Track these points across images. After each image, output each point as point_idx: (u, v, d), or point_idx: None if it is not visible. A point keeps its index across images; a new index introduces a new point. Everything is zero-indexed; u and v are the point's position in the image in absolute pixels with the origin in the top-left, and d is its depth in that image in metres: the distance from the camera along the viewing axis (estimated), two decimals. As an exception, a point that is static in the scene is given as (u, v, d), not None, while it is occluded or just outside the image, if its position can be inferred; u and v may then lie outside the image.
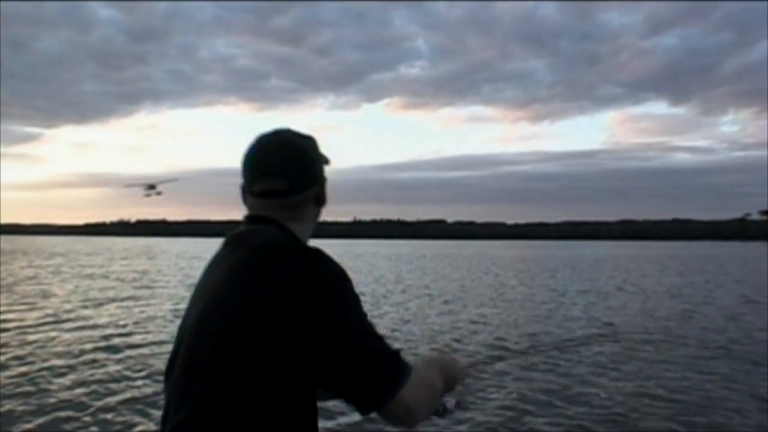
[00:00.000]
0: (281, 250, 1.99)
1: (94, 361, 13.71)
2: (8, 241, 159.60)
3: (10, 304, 23.59)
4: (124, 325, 18.77)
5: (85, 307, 23.45)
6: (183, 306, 16.15)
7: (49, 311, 21.89)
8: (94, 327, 18.45)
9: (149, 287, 32.08)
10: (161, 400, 8.37)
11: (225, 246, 2.15)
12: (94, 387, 11.43)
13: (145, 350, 14.96)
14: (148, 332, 17.46)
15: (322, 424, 2.02)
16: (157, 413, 9.75)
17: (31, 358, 13.76)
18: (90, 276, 39.86)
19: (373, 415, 1.93)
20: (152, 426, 9.38)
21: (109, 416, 9.84)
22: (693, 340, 16.78)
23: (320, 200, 2.29)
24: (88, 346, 15.30)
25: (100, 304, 24.26)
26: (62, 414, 9.88)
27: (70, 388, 11.37)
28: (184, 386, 1.91)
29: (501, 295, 29.65)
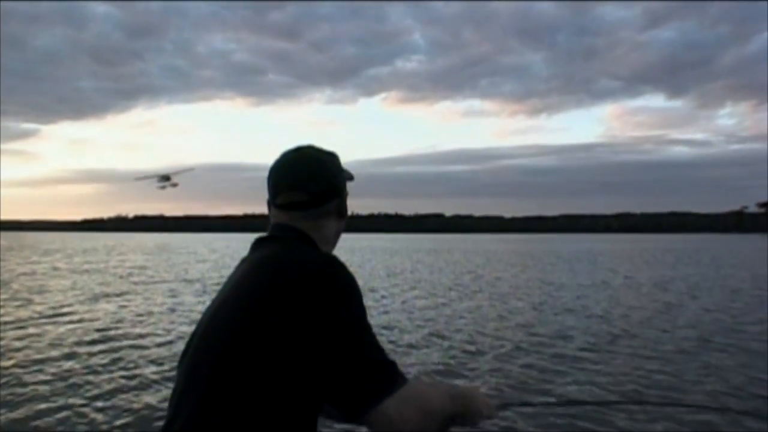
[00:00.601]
0: (299, 253, 2.10)
1: (88, 355, 13.72)
2: (6, 238, 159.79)
3: (5, 300, 23.63)
4: (120, 321, 18.75)
5: (81, 302, 23.43)
6: (179, 301, 16.12)
7: (44, 307, 21.87)
8: (89, 322, 18.47)
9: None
10: (158, 394, 8.37)
11: (251, 248, 2.27)
12: (87, 382, 11.43)
13: (141, 346, 14.96)
14: (144, 328, 17.44)
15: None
16: (153, 407, 9.89)
17: (24, 354, 13.77)
18: (101, 271, 39.92)
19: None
20: (146, 418, 9.41)
21: (104, 410, 9.83)
22: (689, 333, 16.79)
23: (342, 213, 2.39)
24: (83, 342, 15.31)
25: (96, 300, 24.28)
26: (54, 407, 9.89)
27: (63, 382, 11.38)
28: (192, 373, 1.99)
29: (493, 288, 29.70)
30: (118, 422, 9.35)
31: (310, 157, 2.31)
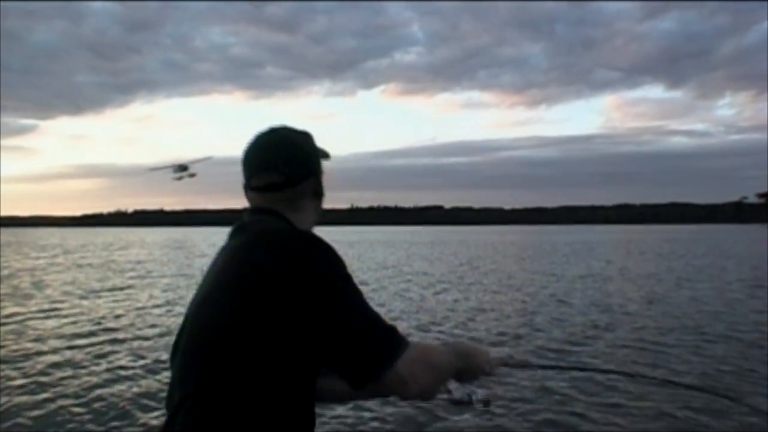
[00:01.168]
0: (278, 235, 2.07)
1: (87, 350, 13.74)
2: (4, 234, 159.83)
3: (4, 296, 23.66)
4: (117, 316, 18.76)
5: (80, 297, 23.50)
6: (176, 295, 16.11)
7: (41, 302, 21.92)
8: (87, 317, 18.48)
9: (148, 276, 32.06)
10: (155, 389, 8.37)
11: (229, 235, 2.23)
12: (86, 376, 11.47)
13: (139, 340, 14.97)
14: (142, 321, 17.43)
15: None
16: (151, 401, 9.80)
17: (24, 349, 13.80)
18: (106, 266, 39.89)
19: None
20: (146, 413, 9.31)
21: (104, 406, 9.82)
22: (691, 323, 16.79)
23: (318, 192, 2.38)
24: (80, 337, 15.36)
25: (94, 295, 24.30)
26: (55, 405, 9.88)
27: (61, 378, 11.40)
28: (185, 367, 2.00)
29: (491, 280, 29.75)
30: (112, 415, 9.35)
31: (283, 138, 2.30)
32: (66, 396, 10.34)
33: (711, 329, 15.72)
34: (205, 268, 2.24)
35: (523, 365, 2.95)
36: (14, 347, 14.11)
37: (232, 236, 2.21)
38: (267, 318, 1.87)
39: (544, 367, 2.59)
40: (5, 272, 35.40)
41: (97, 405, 9.89)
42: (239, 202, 2.31)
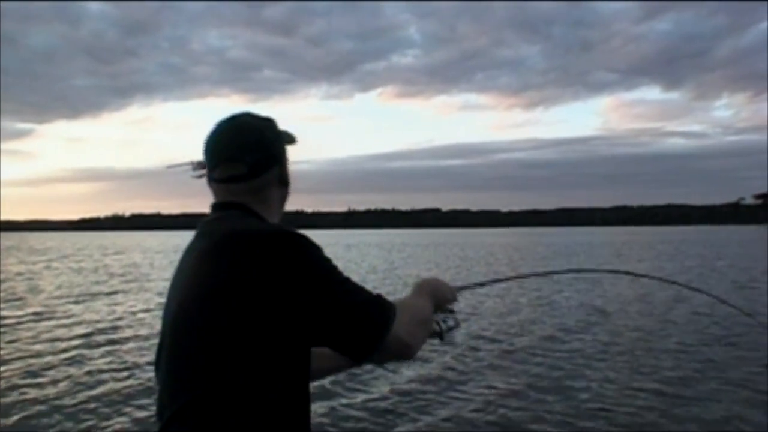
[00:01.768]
0: (249, 234, 1.99)
1: (78, 355, 13.68)
2: (2, 239, 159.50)
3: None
4: (111, 320, 18.68)
5: (74, 302, 23.36)
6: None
7: (37, 307, 21.84)
8: (80, 322, 18.40)
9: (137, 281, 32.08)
10: (145, 393, 8.34)
11: (196, 236, 2.17)
12: (77, 381, 11.37)
13: (130, 344, 14.92)
14: (134, 326, 17.38)
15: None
16: (141, 406, 9.80)
17: (15, 353, 13.72)
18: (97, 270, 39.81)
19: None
20: (135, 419, 9.31)
21: (92, 410, 9.75)
22: (685, 326, 16.78)
23: (283, 181, 2.31)
24: (73, 341, 15.27)
25: (88, 299, 24.20)
26: (44, 408, 9.84)
27: (53, 382, 11.32)
28: (175, 379, 1.95)
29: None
30: (100, 418, 9.32)
31: (245, 126, 2.22)
32: (54, 399, 10.29)
33: (696, 332, 15.72)
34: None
35: (480, 284, 3.03)
36: (4, 351, 14.06)
37: (199, 237, 2.14)
38: (255, 321, 1.85)
39: (497, 281, 2.62)
40: (1, 276, 35.35)
41: (83, 408, 9.85)
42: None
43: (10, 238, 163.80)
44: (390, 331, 2.00)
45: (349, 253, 62.07)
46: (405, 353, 2.11)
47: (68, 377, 11.72)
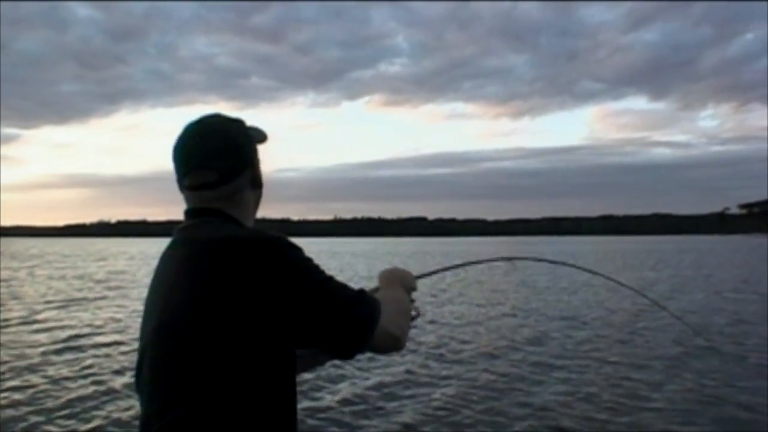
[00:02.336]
0: (229, 241, 1.97)
1: (58, 361, 13.60)
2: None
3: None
4: (92, 326, 18.64)
5: (55, 308, 23.27)
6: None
7: (19, 313, 21.70)
8: (62, 328, 18.30)
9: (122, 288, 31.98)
10: (126, 400, 8.26)
11: (173, 244, 2.15)
12: (55, 387, 11.32)
13: (109, 350, 14.86)
14: (114, 332, 17.28)
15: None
16: (117, 410, 9.81)
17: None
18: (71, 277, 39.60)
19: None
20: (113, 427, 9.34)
21: (69, 417, 9.70)
22: (668, 336, 16.82)
23: (256, 183, 2.27)
24: (54, 347, 15.19)
25: (70, 305, 24.09)
26: (19, 414, 9.76)
27: (32, 387, 11.27)
28: (161, 394, 1.91)
29: (469, 293, 29.63)
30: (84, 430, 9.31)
31: (212, 131, 2.16)
32: (34, 406, 10.21)
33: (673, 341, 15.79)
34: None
35: (433, 272, 3.09)
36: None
37: (177, 245, 2.12)
38: (244, 327, 1.84)
39: (449, 268, 2.67)
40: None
41: (60, 413, 9.79)
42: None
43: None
44: (377, 326, 2.04)
45: (335, 261, 62.01)
46: (395, 345, 2.16)
47: (45, 382, 11.69)
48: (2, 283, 34.38)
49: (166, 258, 2.14)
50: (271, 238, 1.97)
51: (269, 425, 1.92)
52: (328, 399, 10.46)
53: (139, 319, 2.14)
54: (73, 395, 10.87)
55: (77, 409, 10.06)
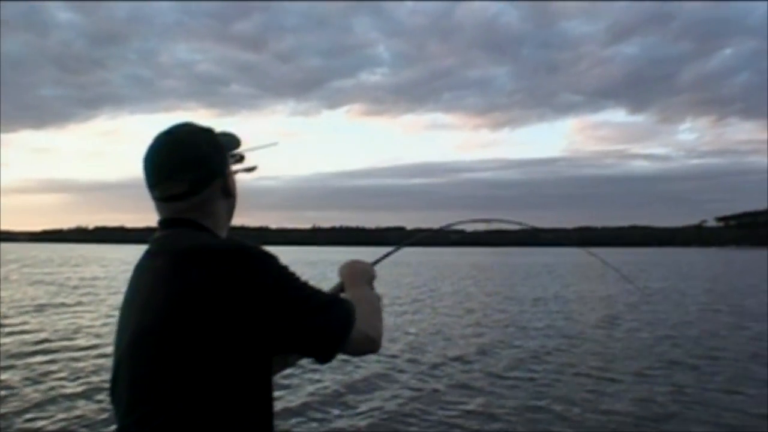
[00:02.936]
0: (203, 251, 1.96)
1: (28, 366, 13.67)
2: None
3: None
4: (64, 331, 18.73)
5: (28, 313, 23.38)
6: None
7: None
8: (33, 332, 18.48)
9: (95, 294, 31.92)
10: (96, 409, 8.20)
11: (147, 254, 2.14)
12: (25, 393, 11.38)
13: (81, 355, 14.93)
14: (87, 338, 17.43)
15: None
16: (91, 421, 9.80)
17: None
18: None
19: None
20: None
21: (41, 421, 9.76)
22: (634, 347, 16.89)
23: (228, 192, 2.25)
24: (22, 353, 15.23)
25: (43, 310, 24.15)
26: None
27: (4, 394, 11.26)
28: (137, 403, 1.90)
29: (447, 302, 29.97)
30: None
31: (181, 142, 2.14)
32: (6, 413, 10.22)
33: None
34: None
35: (388, 254, 3.11)
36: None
37: (152, 255, 2.11)
38: (221, 337, 1.85)
39: (399, 247, 2.68)
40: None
41: (31, 421, 9.80)
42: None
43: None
44: (352, 329, 2.06)
45: (313, 270, 62.00)
46: (371, 347, 2.19)
47: (17, 386, 11.75)
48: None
49: (140, 269, 2.13)
50: (244, 247, 1.97)
51: (248, 430, 1.93)
52: (294, 399, 10.87)
53: (112, 326, 2.13)
54: (38, 398, 11.00)
55: (42, 413, 10.14)
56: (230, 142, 2.35)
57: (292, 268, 2.00)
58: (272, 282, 1.94)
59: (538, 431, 9.71)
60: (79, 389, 11.70)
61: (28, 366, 13.71)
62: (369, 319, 2.19)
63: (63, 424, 9.68)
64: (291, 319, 1.93)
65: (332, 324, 2.03)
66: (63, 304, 26.46)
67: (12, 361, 14.17)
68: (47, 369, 13.49)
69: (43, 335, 17.99)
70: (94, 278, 45.31)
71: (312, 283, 2.02)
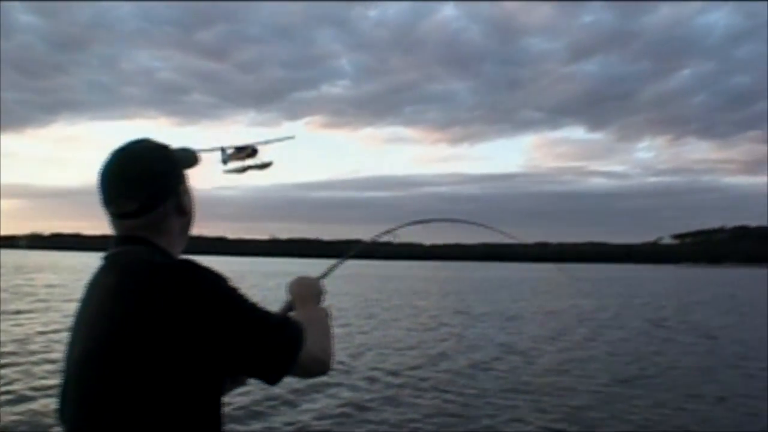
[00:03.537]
0: (153, 269, 1.97)
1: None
2: None
3: None
4: (16, 340, 18.41)
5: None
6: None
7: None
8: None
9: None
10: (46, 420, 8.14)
11: (100, 270, 2.13)
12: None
13: (35, 360, 14.80)
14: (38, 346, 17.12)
15: None
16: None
17: None
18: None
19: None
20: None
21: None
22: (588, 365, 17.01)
23: (182, 209, 2.24)
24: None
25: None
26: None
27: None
28: (87, 423, 1.90)
29: (399, 315, 30.19)
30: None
31: (134, 160, 2.12)
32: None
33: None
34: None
35: (333, 267, 3.13)
36: None
37: (104, 271, 2.10)
38: (169, 358, 1.85)
39: (344, 259, 2.69)
40: None
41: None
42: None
43: None
44: (302, 351, 2.06)
45: (271, 281, 61.70)
46: (321, 369, 2.20)
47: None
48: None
49: (93, 284, 2.12)
50: (194, 268, 1.98)
51: None
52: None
53: (63, 334, 2.13)
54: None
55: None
56: (187, 158, 2.31)
57: (249, 279, 2.01)
58: (221, 303, 1.94)
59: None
60: (30, 394, 11.66)
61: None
62: (318, 340, 2.19)
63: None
64: (239, 341, 1.93)
65: (280, 346, 2.03)
66: (14, 312, 26.14)
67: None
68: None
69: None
70: (49, 285, 44.70)
71: (266, 296, 2.04)
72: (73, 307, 2.16)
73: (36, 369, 14.08)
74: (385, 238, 3.64)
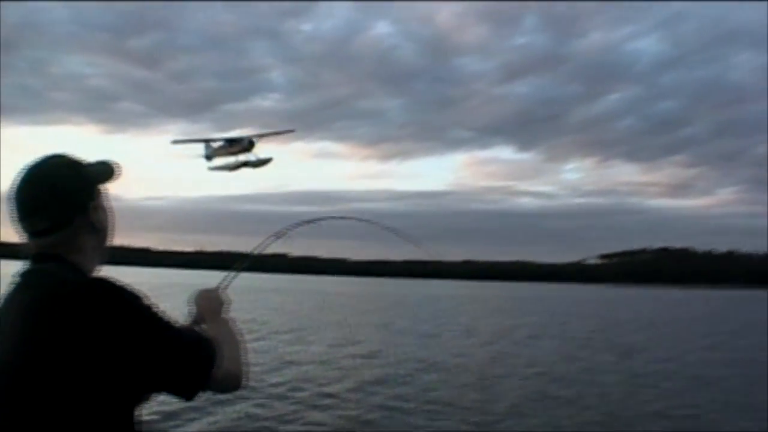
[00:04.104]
0: (66, 287, 1.94)
1: None
2: None
3: None
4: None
5: None
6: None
7: None
8: None
9: None
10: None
11: (14, 288, 2.08)
12: None
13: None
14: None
15: None
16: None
17: None
18: None
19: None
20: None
21: None
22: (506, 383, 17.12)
23: (96, 226, 2.20)
24: None
25: None
26: None
27: None
28: None
29: (321, 332, 30.09)
30: None
31: (45, 177, 2.09)
32: None
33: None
34: None
35: (233, 278, 3.13)
36: None
37: (20, 289, 2.05)
38: (83, 377, 1.82)
39: (239, 270, 2.72)
40: None
41: None
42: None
43: None
44: (215, 368, 2.07)
45: (189, 293, 61.56)
46: (235, 383, 2.21)
47: None
48: None
49: (7, 302, 2.07)
50: (108, 286, 1.96)
51: None
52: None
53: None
54: None
55: None
56: (104, 172, 2.26)
57: (171, 293, 1.97)
58: (135, 321, 1.92)
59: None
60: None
61: None
62: (232, 356, 2.20)
63: None
64: (154, 359, 1.93)
65: (196, 363, 2.04)
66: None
67: None
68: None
69: None
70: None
71: (183, 309, 2.02)
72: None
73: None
74: (275, 245, 3.66)
